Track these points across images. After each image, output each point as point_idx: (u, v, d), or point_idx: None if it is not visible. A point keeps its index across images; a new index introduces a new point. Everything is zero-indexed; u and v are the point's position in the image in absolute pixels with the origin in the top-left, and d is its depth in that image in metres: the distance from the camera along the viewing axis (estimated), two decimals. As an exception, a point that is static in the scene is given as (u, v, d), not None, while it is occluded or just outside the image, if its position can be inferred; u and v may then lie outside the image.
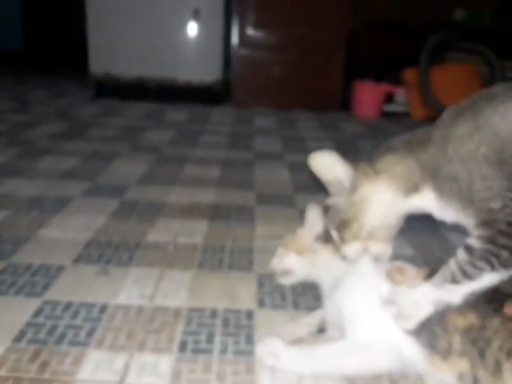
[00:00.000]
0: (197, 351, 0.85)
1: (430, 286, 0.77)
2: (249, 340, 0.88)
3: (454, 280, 0.75)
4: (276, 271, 1.04)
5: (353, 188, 0.85)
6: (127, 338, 0.87)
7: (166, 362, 0.81)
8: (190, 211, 1.48)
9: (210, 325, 0.92)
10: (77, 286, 1.03)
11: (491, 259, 0.73)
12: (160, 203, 1.52)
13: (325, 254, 0.96)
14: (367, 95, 3.21)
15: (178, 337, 0.88)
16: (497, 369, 0.71)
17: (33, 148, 2.06)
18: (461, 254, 0.76)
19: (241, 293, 1.04)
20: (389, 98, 3.26)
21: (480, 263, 0.73)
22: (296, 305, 1.00)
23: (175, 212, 1.46)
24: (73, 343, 0.84)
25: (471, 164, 0.76)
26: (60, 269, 1.09)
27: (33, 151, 2.00)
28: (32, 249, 1.18)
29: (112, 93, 3.33)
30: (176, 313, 0.95)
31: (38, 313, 0.92)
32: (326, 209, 0.93)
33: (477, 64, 3.04)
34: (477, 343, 0.74)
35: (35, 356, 0.81)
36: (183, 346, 0.85)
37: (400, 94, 3.23)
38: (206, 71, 3.24)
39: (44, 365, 0.78)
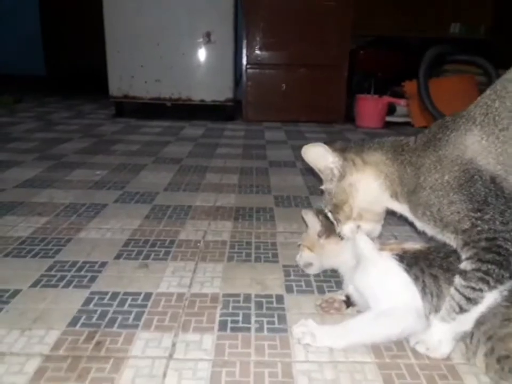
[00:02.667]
0: (236, 329, 0.93)
1: (443, 324, 0.83)
2: (282, 319, 0.97)
3: (461, 309, 0.80)
4: (300, 265, 1.16)
5: (343, 175, 0.97)
6: (171, 320, 0.95)
7: (209, 340, 0.89)
8: (215, 213, 1.57)
9: (245, 307, 1.01)
10: (120, 279, 1.12)
11: (485, 278, 0.78)
12: (187, 207, 1.62)
13: (329, 247, 1.07)
14: (370, 107, 3.33)
15: (217, 318, 0.97)
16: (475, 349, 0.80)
17: (63, 161, 2.18)
18: (458, 280, 0.82)
19: (270, 281, 1.13)
20: (391, 109, 3.38)
21: (476, 285, 0.79)
22: (320, 290, 1.09)
23: (201, 214, 1.56)
24: (123, 326, 0.93)
25: (439, 191, 0.84)
26: (103, 264, 1.18)
27: (63, 165, 2.12)
28: (74, 249, 1.27)
29: (131, 113, 3.48)
30: (213, 298, 1.04)
31: (87, 302, 1.01)
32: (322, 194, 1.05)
33: (475, 75, 3.14)
34: None
35: (90, 337, 0.89)
36: (223, 326, 0.94)
37: (401, 105, 3.34)
38: (218, 91, 3.38)
39: (99, 345, 0.87)
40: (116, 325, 0.93)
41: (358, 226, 0.97)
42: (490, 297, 0.79)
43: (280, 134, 3.09)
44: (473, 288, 0.79)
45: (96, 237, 1.35)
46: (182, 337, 0.90)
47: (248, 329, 0.93)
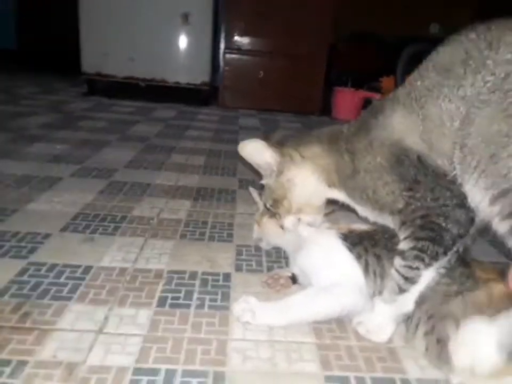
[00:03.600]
0: (175, 305, 0.89)
1: (383, 305, 0.83)
2: (226, 297, 0.93)
3: (400, 290, 0.80)
4: (254, 240, 1.14)
5: (280, 171, 0.96)
6: (108, 294, 0.91)
7: (144, 315, 0.85)
8: (175, 192, 1.52)
9: (189, 284, 0.97)
10: (63, 251, 1.06)
11: (420, 255, 0.78)
12: (146, 185, 1.56)
13: (271, 227, 1.06)
14: (346, 100, 3.32)
15: (157, 294, 0.92)
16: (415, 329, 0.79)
17: (24, 134, 2.09)
18: (397, 260, 0.82)
19: (221, 259, 1.09)
20: (367, 103, 3.37)
21: (413, 263, 0.79)
22: (270, 270, 1.05)
23: (160, 192, 1.51)
24: (55, 298, 0.88)
25: (373, 173, 0.84)
26: (46, 236, 1.13)
27: (24, 138, 2.03)
28: (19, 220, 1.21)
29: (103, 92, 3.38)
30: (157, 274, 1.00)
31: (22, 272, 0.96)
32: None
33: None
34: None
35: (17, 308, 0.84)
36: (162, 302, 0.90)
37: (376, 99, 3.34)
38: (194, 74, 3.31)
39: (25, 316, 0.82)
40: (48, 296, 0.88)
41: (299, 219, 0.97)
42: (427, 276, 0.79)
43: (254, 121, 3.04)
44: (410, 267, 0.79)
45: (45, 209, 1.29)
46: (117, 311, 0.86)
47: (188, 306, 0.89)
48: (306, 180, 0.94)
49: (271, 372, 0.73)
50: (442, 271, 0.79)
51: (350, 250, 0.88)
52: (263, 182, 1.03)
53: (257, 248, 1.15)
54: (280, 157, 0.96)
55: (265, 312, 0.85)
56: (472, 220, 0.77)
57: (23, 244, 1.08)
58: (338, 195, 0.94)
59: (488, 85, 0.70)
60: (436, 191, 0.78)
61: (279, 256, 1.12)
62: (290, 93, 3.40)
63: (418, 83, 0.80)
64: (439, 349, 0.73)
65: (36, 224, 1.18)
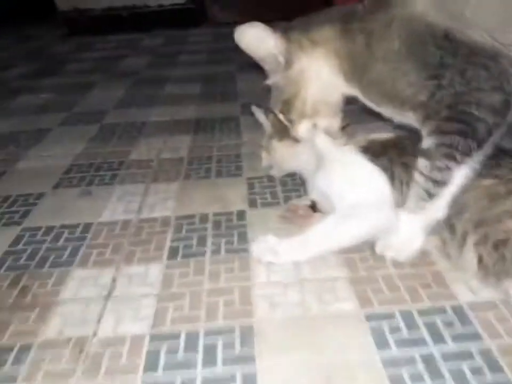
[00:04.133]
0: (188, 255, 0.80)
1: (409, 216, 0.71)
2: (243, 238, 0.83)
3: (430, 195, 0.69)
4: (264, 167, 1.02)
5: (289, 62, 0.79)
6: (113, 253, 0.82)
7: (155, 271, 0.76)
8: (172, 128, 1.38)
9: (201, 229, 0.87)
10: (58, 211, 0.97)
11: (451, 153, 0.66)
12: (141, 123, 1.43)
13: (283, 150, 0.92)
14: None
15: (167, 245, 0.83)
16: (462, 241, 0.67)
17: (4, 89, 1.94)
18: (421, 162, 0.69)
19: (231, 196, 0.98)
20: None
21: (443, 163, 0.67)
22: (288, 201, 0.94)
23: (156, 130, 1.37)
24: (55, 265, 0.80)
25: (391, 63, 0.69)
26: (39, 196, 1.03)
27: (5, 92, 1.88)
28: (8, 182, 1.11)
29: (84, 30, 3.11)
30: (164, 222, 0.90)
31: (16, 241, 0.87)
32: (268, 92, 0.87)
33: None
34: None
35: (15, 281, 0.76)
36: (173, 253, 0.80)
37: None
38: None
39: (24, 290, 0.74)
40: (47, 264, 0.80)
41: (314, 125, 0.82)
42: (460, 175, 0.67)
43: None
44: (439, 168, 0.67)
45: (35, 167, 1.18)
46: (124, 271, 0.77)
47: (203, 253, 0.80)
48: (320, 70, 0.78)
49: (303, 317, 0.65)
50: (478, 166, 0.67)
51: (373, 162, 0.76)
52: (268, 81, 0.85)
53: (271, 178, 1.03)
54: (286, 44, 0.78)
55: (287, 248, 0.76)
56: (509, 105, 0.65)
57: (14, 208, 0.98)
58: (355, 91, 0.78)
59: None
60: (468, 72, 0.64)
61: (295, 184, 1.00)
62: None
63: None
64: (500, 254, 0.63)
65: (27, 185, 1.08)
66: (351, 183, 0.78)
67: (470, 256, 0.67)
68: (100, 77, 2.02)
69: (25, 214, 0.96)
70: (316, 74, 0.78)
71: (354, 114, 0.89)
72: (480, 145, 0.66)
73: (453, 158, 0.66)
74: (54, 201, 1.01)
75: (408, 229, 0.72)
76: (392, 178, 0.76)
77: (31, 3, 4.01)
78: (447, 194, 0.69)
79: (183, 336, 0.62)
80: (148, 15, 3.06)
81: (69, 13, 3.05)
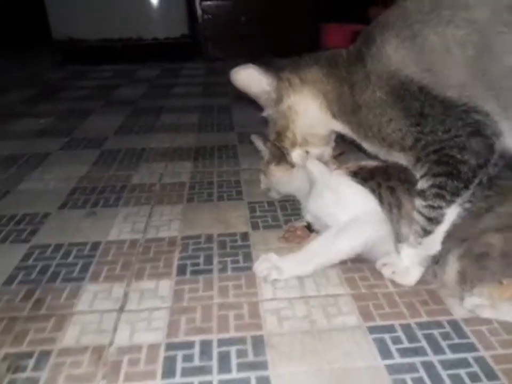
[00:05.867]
0: (196, 272, 0.83)
1: (410, 249, 0.77)
2: (248, 257, 0.88)
3: (425, 232, 0.75)
4: (263, 190, 1.10)
5: (280, 97, 0.86)
6: (123, 269, 0.85)
7: (166, 286, 0.80)
8: (172, 154, 1.44)
9: (207, 248, 0.91)
10: (65, 230, 0.99)
11: (440, 193, 0.72)
12: (141, 150, 1.47)
13: (279, 174, 1.00)
14: (335, 37, 3.15)
15: (175, 263, 0.87)
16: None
17: (5, 112, 1.97)
18: (417, 201, 0.76)
19: (234, 219, 1.03)
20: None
21: (434, 202, 0.73)
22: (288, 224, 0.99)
23: (157, 156, 1.42)
24: (67, 280, 0.82)
25: (375, 109, 0.75)
26: (45, 216, 1.05)
27: (3, 116, 1.91)
28: (13, 202, 1.13)
29: (79, 59, 3.19)
30: (171, 242, 0.93)
31: (26, 257, 0.89)
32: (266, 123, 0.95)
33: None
34: None
35: (28, 295, 0.78)
36: (182, 270, 0.84)
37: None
38: (171, 26, 3.10)
39: (38, 302, 0.76)
40: (59, 279, 0.82)
41: (307, 152, 0.89)
42: (452, 213, 0.73)
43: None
44: (432, 207, 0.73)
45: (38, 188, 1.21)
46: (135, 286, 0.80)
47: (210, 270, 0.84)
48: (307, 107, 0.85)
49: (310, 330, 0.69)
50: (468, 206, 0.73)
51: (362, 185, 0.83)
52: (264, 114, 0.92)
53: (271, 203, 1.09)
54: (277, 82, 0.86)
55: (289, 264, 0.81)
56: (491, 147, 0.70)
57: (21, 227, 1.01)
58: (343, 129, 0.85)
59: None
60: (447, 122, 0.70)
61: (294, 208, 1.06)
62: (276, 33, 3.22)
63: (409, 3, 0.70)
64: (481, 265, 0.70)
65: (32, 205, 1.11)
66: (342, 203, 0.85)
67: (452, 268, 0.73)
68: (96, 104, 2.08)
69: (33, 232, 0.98)
70: (304, 110, 0.85)
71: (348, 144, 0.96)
72: (466, 185, 0.71)
73: (443, 198, 0.72)
74: (60, 221, 1.03)
75: (408, 260, 0.78)
76: (380, 200, 0.82)
77: (28, 29, 4.10)
78: (440, 231, 0.74)
79: (197, 346, 0.66)
80: (142, 48, 3.16)
81: (64, 42, 3.12)
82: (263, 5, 3.17)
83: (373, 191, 0.83)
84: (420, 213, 0.75)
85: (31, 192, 1.18)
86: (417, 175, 0.76)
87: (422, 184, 0.75)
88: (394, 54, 0.72)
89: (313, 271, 0.80)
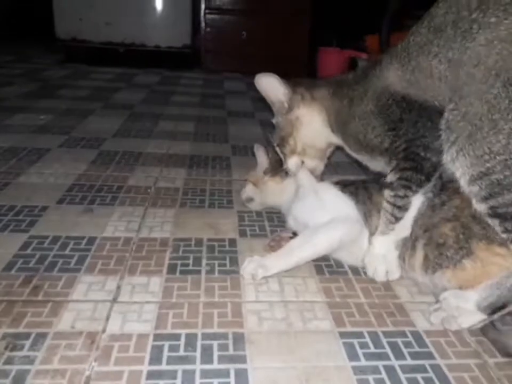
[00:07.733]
0: (185, 272, 0.90)
1: (383, 237, 0.89)
2: (234, 262, 0.94)
3: (396, 218, 0.87)
4: (243, 199, 1.18)
5: (291, 107, 1.01)
6: (117, 264, 0.91)
7: (156, 282, 0.86)
8: (168, 160, 1.50)
9: (196, 251, 0.97)
10: (63, 223, 1.05)
11: (406, 184, 0.85)
12: (138, 153, 1.54)
13: (272, 185, 1.12)
14: (332, 60, 3.27)
15: (166, 262, 0.93)
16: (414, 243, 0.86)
17: (3, 106, 2.01)
18: (386, 192, 0.88)
19: (224, 226, 1.09)
20: (353, 64, 3.33)
21: (402, 192, 0.85)
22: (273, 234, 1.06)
23: (153, 160, 1.49)
24: (64, 270, 0.87)
25: (364, 120, 0.90)
26: (44, 209, 1.11)
27: (4, 109, 1.96)
28: (12, 193, 1.18)
29: (80, 59, 3.25)
30: (163, 243, 1.00)
31: (25, 246, 0.94)
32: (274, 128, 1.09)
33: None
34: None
35: (26, 281, 0.83)
36: (172, 269, 0.90)
37: (362, 59, 3.30)
38: (174, 36, 3.20)
39: (36, 289, 0.81)
40: (56, 269, 0.88)
41: (302, 162, 1.02)
42: (417, 201, 0.85)
43: (239, 85, 2.98)
44: (400, 196, 0.85)
45: (38, 182, 1.26)
46: (128, 280, 0.86)
47: (199, 271, 0.90)
48: (312, 120, 0.99)
49: (287, 331, 0.75)
50: (430, 195, 0.86)
51: (342, 190, 0.95)
52: (273, 120, 1.06)
53: (259, 214, 1.16)
54: (292, 94, 1.00)
55: (273, 261, 0.89)
56: None
57: (21, 218, 1.06)
58: (337, 140, 0.99)
59: (473, 57, 0.71)
60: (418, 124, 0.82)
61: (280, 220, 1.13)
62: (274, 53, 3.33)
63: (412, 38, 0.82)
64: (439, 252, 0.81)
65: (31, 197, 1.16)
66: (321, 205, 0.95)
67: (418, 255, 0.85)
68: (96, 105, 2.14)
69: (31, 223, 1.03)
70: (308, 122, 0.99)
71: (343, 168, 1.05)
72: (428, 178, 0.84)
73: (409, 188, 0.84)
74: (58, 215, 1.09)
75: (381, 248, 0.89)
76: (356, 198, 0.93)
77: (33, 26, 4.15)
78: (409, 217, 0.86)
79: (183, 338, 0.71)
80: (144, 54, 3.24)
81: (67, 42, 3.19)
82: (266, 26, 3.29)
83: (351, 193, 0.94)
84: (389, 202, 0.87)
85: (30, 186, 1.23)
86: (388, 170, 0.89)
87: (390, 177, 0.88)
88: (393, 75, 0.85)
89: (295, 265, 0.89)
